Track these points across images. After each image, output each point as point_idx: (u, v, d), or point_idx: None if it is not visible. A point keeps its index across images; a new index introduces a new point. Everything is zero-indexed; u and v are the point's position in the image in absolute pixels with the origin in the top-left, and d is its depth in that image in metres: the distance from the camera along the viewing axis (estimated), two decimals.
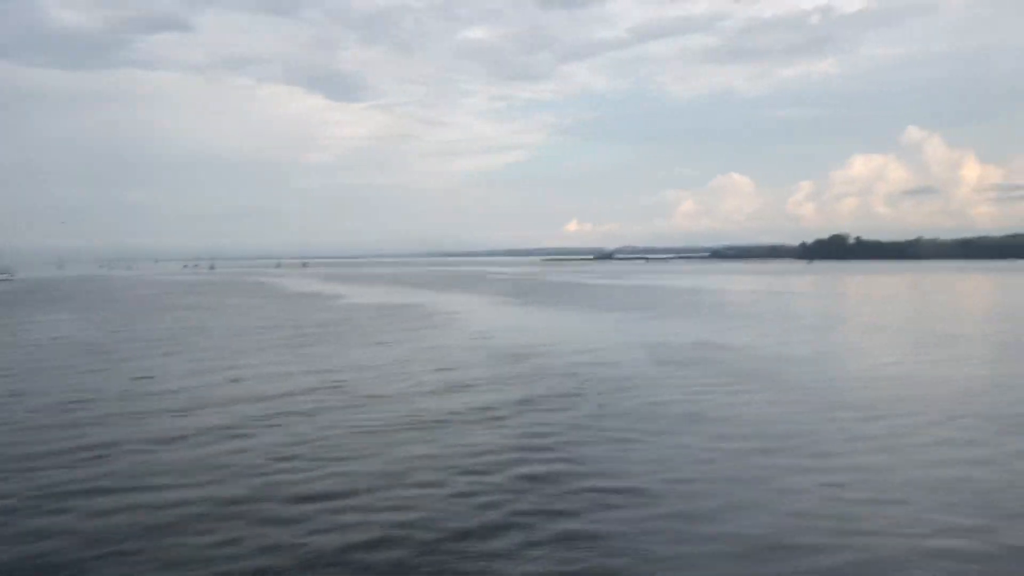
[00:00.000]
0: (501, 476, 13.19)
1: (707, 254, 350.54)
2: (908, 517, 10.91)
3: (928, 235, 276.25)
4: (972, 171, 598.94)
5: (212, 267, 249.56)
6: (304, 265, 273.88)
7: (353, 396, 21.09)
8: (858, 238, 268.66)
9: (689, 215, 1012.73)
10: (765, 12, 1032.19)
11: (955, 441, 15.39)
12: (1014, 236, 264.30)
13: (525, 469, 13.56)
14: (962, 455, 14.31)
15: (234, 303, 68.69)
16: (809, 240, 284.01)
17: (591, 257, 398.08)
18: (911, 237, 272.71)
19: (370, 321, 45.89)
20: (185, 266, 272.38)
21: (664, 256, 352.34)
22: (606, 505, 11.53)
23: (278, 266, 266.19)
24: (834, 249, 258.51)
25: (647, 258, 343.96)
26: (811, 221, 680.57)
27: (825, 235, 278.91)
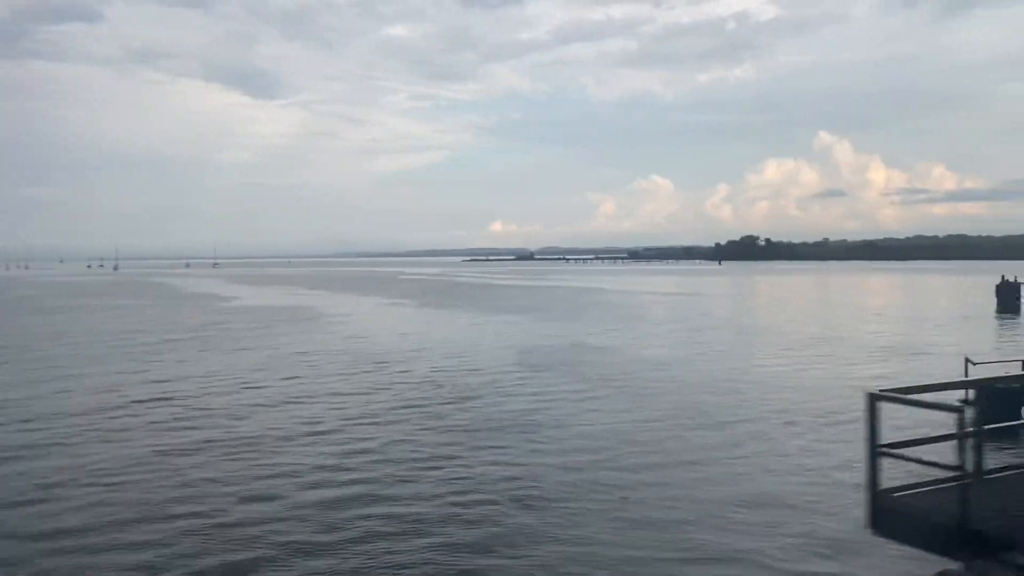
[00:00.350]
0: (283, 503, 11.97)
1: (625, 255, 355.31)
2: (687, 542, 10.13)
3: (836, 237, 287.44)
4: (878, 175, 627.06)
5: (116, 267, 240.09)
6: (215, 265, 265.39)
7: (179, 409, 19.52)
8: (768, 239, 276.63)
9: (611, 216, 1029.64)
10: (683, 18, 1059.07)
11: (783, 451, 14.85)
12: (915, 238, 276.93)
13: (313, 494, 12.36)
14: (780, 466, 13.79)
15: (118, 305, 65.26)
16: (724, 241, 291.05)
17: (513, 257, 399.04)
18: (820, 238, 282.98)
19: (247, 325, 43.84)
20: (89, 266, 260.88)
21: (584, 257, 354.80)
22: (376, 535, 10.44)
23: (187, 266, 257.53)
24: (745, 250, 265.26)
25: (567, 259, 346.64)
26: (728, 222, 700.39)
27: (739, 236, 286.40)
